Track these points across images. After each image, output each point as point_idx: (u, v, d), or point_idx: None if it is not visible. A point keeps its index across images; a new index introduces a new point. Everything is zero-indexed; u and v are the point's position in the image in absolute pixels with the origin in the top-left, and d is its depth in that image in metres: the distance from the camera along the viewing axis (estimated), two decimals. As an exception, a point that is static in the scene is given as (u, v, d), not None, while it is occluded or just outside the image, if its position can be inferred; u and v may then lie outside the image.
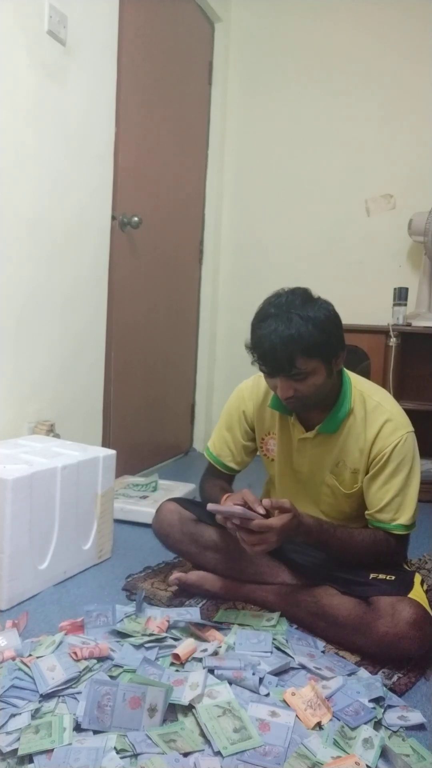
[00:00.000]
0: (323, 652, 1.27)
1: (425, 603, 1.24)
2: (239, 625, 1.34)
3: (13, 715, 0.99)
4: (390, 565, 1.35)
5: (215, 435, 1.54)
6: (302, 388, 1.24)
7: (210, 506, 1.22)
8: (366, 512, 1.36)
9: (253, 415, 1.47)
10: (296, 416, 1.39)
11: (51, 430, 1.90)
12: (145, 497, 2.15)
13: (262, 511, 1.21)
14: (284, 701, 1.07)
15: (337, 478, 1.38)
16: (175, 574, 1.48)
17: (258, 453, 1.53)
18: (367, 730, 0.99)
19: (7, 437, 1.79)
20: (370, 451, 1.32)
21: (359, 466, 1.34)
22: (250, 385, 1.49)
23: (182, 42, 2.73)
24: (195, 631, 1.28)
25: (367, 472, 1.34)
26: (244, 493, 1.27)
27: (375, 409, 1.33)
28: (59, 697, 1.04)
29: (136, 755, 0.93)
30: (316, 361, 1.22)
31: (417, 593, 1.26)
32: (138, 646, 1.20)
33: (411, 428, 1.34)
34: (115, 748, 0.93)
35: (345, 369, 1.38)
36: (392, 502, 1.30)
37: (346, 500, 1.39)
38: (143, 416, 2.67)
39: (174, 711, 1.03)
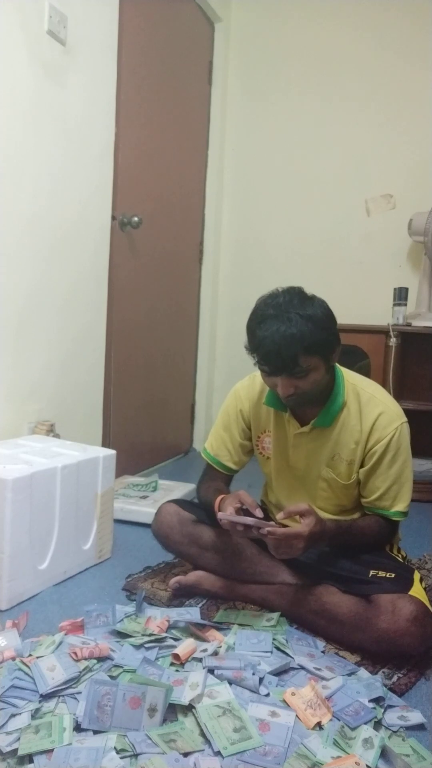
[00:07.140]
0: (323, 652, 1.27)
1: (425, 600, 1.25)
2: (239, 625, 1.34)
3: (13, 715, 0.99)
4: (389, 564, 1.36)
5: (212, 436, 1.55)
6: (303, 385, 1.26)
7: (220, 515, 1.24)
8: (363, 500, 1.40)
9: (249, 414, 1.49)
10: (291, 412, 1.41)
11: (51, 430, 1.90)
12: (145, 497, 2.15)
13: (259, 514, 1.24)
14: (284, 701, 1.07)
15: (334, 471, 1.40)
16: (174, 579, 1.48)
17: (254, 453, 1.53)
18: (367, 730, 0.99)
19: (7, 437, 1.79)
20: (367, 443, 1.35)
21: (354, 457, 1.37)
22: (246, 384, 1.51)
23: (182, 42, 2.73)
24: (195, 631, 1.28)
25: (362, 463, 1.37)
26: (240, 495, 1.28)
27: (369, 401, 1.36)
28: (59, 697, 1.04)
29: (136, 755, 0.93)
30: (317, 358, 1.24)
31: (417, 590, 1.27)
32: (138, 646, 1.20)
33: (405, 419, 1.37)
34: (115, 748, 0.93)
35: (337, 364, 1.40)
36: (390, 490, 1.35)
37: (344, 492, 1.41)
38: (143, 416, 2.67)
39: (174, 711, 1.03)
